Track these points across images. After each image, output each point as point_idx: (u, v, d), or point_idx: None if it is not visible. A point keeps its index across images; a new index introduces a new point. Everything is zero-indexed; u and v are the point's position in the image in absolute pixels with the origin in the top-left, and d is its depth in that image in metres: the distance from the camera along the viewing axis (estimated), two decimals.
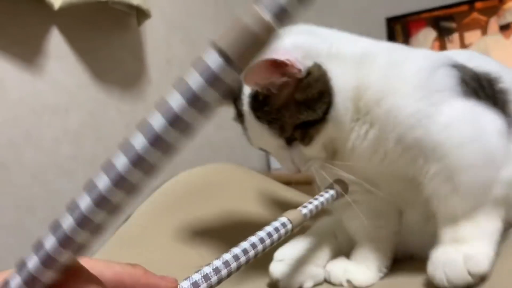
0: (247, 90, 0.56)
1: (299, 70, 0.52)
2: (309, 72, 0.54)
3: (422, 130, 0.53)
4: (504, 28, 1.82)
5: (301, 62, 0.53)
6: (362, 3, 2.17)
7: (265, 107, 0.55)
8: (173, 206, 0.78)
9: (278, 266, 0.59)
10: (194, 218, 0.74)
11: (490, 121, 0.54)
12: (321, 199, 0.56)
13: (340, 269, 0.60)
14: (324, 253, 0.63)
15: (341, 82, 0.55)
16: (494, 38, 1.85)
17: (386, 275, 0.62)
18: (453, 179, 0.53)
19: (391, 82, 0.55)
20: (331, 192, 0.58)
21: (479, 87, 0.57)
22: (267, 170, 2.03)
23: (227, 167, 0.87)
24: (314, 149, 0.57)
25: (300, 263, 0.60)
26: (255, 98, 0.55)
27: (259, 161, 2.08)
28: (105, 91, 1.46)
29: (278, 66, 0.51)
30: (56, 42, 1.34)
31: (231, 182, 0.83)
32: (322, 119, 0.55)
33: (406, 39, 1.99)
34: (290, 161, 0.59)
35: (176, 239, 0.70)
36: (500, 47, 1.83)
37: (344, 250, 0.64)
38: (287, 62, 0.51)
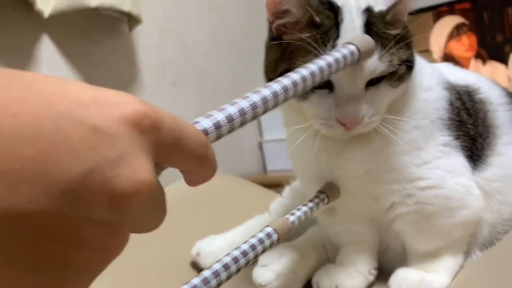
0: (378, 4, 0.52)
1: None
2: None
3: (409, 159, 0.55)
4: None
5: None
6: None
7: (389, 28, 0.51)
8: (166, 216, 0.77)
9: (262, 271, 0.58)
10: (184, 229, 0.72)
11: (455, 170, 0.57)
12: (311, 204, 0.55)
13: (327, 276, 0.59)
14: (312, 262, 0.62)
15: None
16: None
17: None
18: (421, 223, 0.58)
19: (410, 98, 0.57)
20: (322, 196, 0.57)
21: (461, 104, 0.60)
22: (263, 172, 2.01)
23: (217, 177, 0.86)
24: (391, 97, 0.54)
25: (285, 269, 0.59)
26: (382, 16, 0.51)
27: (255, 163, 2.07)
28: None
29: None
30: (47, 50, 1.33)
31: (222, 192, 0.82)
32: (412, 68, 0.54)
33: None
34: (360, 111, 0.51)
35: (166, 251, 0.69)
36: None
37: (333, 259, 0.64)
38: None
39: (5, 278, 0.18)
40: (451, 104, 0.59)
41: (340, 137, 0.53)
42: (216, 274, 0.40)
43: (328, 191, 0.57)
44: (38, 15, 1.24)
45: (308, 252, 0.63)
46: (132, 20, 1.47)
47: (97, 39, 1.47)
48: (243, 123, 0.32)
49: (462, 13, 1.86)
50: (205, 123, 0.29)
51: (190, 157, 0.25)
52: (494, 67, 1.79)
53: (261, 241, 0.46)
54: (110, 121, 0.20)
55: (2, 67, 1.19)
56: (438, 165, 0.56)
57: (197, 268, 0.63)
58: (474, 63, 1.83)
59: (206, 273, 0.39)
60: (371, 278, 0.61)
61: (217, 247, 0.64)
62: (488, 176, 0.59)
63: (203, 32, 1.87)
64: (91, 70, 1.44)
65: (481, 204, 0.58)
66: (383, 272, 0.62)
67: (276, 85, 0.35)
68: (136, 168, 0.21)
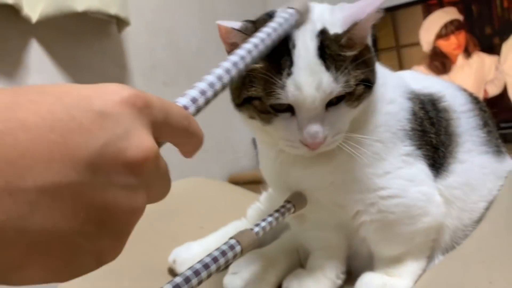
0: (333, 27, 0.52)
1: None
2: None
3: (371, 170, 0.57)
4: None
5: None
6: None
7: (344, 50, 0.51)
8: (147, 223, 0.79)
9: (231, 279, 0.61)
10: (163, 235, 0.74)
11: (416, 179, 0.59)
12: (276, 214, 0.57)
13: (297, 281, 0.61)
14: (282, 267, 0.64)
15: None
16: None
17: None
18: (383, 230, 0.60)
19: (373, 112, 0.59)
20: (288, 206, 0.59)
21: (424, 114, 0.62)
22: (257, 168, 2.02)
23: (198, 181, 0.88)
24: (351, 116, 0.54)
25: (255, 276, 0.61)
26: (337, 40, 0.51)
27: (248, 160, 2.09)
28: None
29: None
30: (36, 55, 1.35)
31: (203, 197, 0.84)
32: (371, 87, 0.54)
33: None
34: (322, 131, 0.52)
35: (145, 258, 0.71)
36: None
37: (305, 263, 0.66)
38: None
39: (56, 240, 0.23)
40: (414, 114, 0.60)
41: (306, 155, 0.55)
42: (177, 287, 0.42)
43: (294, 201, 0.59)
44: (26, 20, 1.26)
45: (279, 258, 0.65)
46: (120, 22, 1.49)
47: (86, 42, 1.48)
48: (215, 94, 0.38)
49: (451, 5, 1.86)
50: (183, 100, 0.35)
51: (178, 129, 0.30)
52: (481, 58, 1.80)
53: (223, 253, 0.48)
54: (111, 104, 0.25)
55: None
56: (400, 175, 0.57)
57: (174, 275, 0.65)
58: (461, 59, 1.84)
59: (166, 287, 0.41)
60: (339, 282, 0.63)
61: (193, 254, 0.66)
62: (449, 183, 0.61)
63: (193, 31, 1.88)
64: (81, 73, 1.45)
65: (443, 211, 0.60)
66: (353, 276, 0.64)
67: (234, 57, 0.41)
68: (141, 139, 0.26)
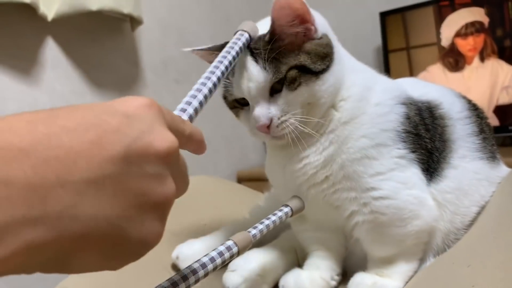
0: (262, 31, 0.61)
1: (315, 30, 0.61)
2: (321, 37, 0.62)
3: (362, 168, 0.58)
4: None
5: (318, 25, 0.62)
6: None
7: (269, 45, 0.59)
8: None
9: (230, 275, 0.64)
10: (168, 232, 0.77)
11: (409, 183, 0.62)
12: (273, 217, 0.60)
13: (293, 280, 0.64)
14: (280, 266, 0.67)
15: (338, 69, 0.63)
16: None
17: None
18: (375, 231, 0.62)
19: (357, 112, 0.62)
20: (285, 210, 0.62)
21: (420, 120, 0.64)
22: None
23: (203, 179, 0.91)
24: (296, 99, 0.60)
25: (252, 274, 0.64)
26: (262, 37, 0.60)
27: (257, 156, 2.12)
28: (101, 96, 1.50)
29: (304, 16, 0.59)
30: (51, 52, 1.39)
31: (207, 194, 0.87)
32: (315, 73, 0.60)
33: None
34: (265, 113, 0.60)
35: (150, 253, 0.74)
36: None
37: (302, 263, 0.68)
38: (310, 16, 0.60)
39: (105, 225, 0.27)
40: (408, 118, 0.63)
41: (271, 143, 0.64)
42: (175, 285, 0.45)
43: (292, 205, 0.62)
44: (42, 18, 1.30)
45: (277, 257, 0.68)
46: (133, 20, 1.52)
47: (100, 40, 1.52)
48: (200, 104, 0.46)
49: (462, 7, 1.86)
50: (175, 112, 0.44)
51: (178, 131, 0.35)
52: (498, 64, 1.80)
53: (220, 254, 0.51)
54: (133, 107, 0.30)
55: (8, 70, 1.25)
56: (392, 177, 0.60)
57: (177, 270, 0.69)
58: (477, 61, 1.84)
59: (164, 284, 0.45)
60: (334, 283, 0.66)
61: (195, 251, 0.69)
62: (442, 188, 0.63)
63: (205, 28, 1.91)
64: (95, 70, 1.49)
65: (435, 215, 0.62)
66: (348, 275, 0.67)
67: (206, 73, 0.50)
68: (163, 133, 0.31)
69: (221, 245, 0.52)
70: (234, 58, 0.55)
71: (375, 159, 0.60)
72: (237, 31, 0.60)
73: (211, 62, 0.54)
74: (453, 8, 1.89)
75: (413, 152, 0.62)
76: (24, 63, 1.33)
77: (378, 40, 2.07)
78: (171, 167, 0.31)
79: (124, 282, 0.66)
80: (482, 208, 0.65)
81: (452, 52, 1.90)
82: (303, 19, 0.59)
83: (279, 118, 0.59)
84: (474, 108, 0.71)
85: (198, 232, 0.78)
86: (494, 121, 1.79)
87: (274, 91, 0.59)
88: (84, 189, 0.26)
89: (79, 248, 0.27)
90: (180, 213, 0.85)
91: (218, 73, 0.51)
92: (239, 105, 0.63)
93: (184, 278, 0.46)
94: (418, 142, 0.62)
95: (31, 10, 1.27)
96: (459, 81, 1.88)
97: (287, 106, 0.60)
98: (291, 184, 0.64)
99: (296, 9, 0.58)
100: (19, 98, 1.30)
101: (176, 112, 0.43)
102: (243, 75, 0.60)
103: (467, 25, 1.88)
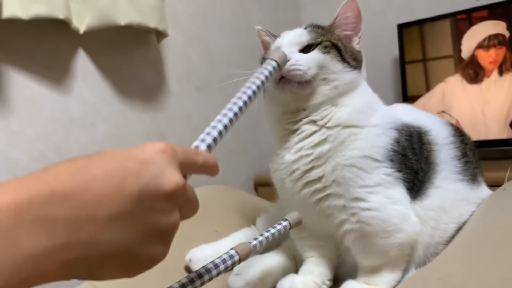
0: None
1: (358, 42, 0.78)
2: (358, 50, 0.77)
3: (351, 175, 0.65)
4: None
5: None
6: (373, 9, 2.21)
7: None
8: None
9: (235, 279, 0.72)
10: (181, 237, 0.86)
11: (393, 198, 0.68)
12: (273, 230, 0.67)
13: (288, 283, 0.72)
14: (280, 272, 0.75)
15: (355, 78, 0.75)
16: None
17: None
18: (362, 241, 0.69)
19: (354, 121, 0.71)
20: (284, 223, 0.69)
21: (409, 144, 0.71)
22: None
23: (217, 188, 0.99)
24: (317, 61, 0.72)
25: (254, 278, 0.72)
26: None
27: None
28: (127, 104, 1.60)
29: (358, 23, 0.78)
30: (82, 63, 1.49)
31: (220, 203, 0.95)
32: (342, 57, 0.74)
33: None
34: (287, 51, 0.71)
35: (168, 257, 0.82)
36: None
37: (300, 268, 0.76)
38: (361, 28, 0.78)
39: (122, 249, 0.35)
40: (397, 142, 0.70)
41: (282, 97, 0.73)
42: (183, 286, 0.53)
43: (290, 219, 0.69)
44: (74, 32, 1.40)
45: (277, 264, 0.76)
46: (159, 33, 1.62)
47: (128, 51, 1.62)
48: (220, 133, 0.51)
49: (479, 21, 1.89)
50: (195, 143, 0.49)
51: (193, 164, 0.43)
52: None
53: (224, 261, 0.59)
54: (149, 154, 0.38)
55: (43, 80, 1.36)
56: (379, 191, 0.67)
57: (190, 272, 0.77)
58: (496, 74, 1.87)
59: (174, 285, 0.53)
60: (325, 287, 0.73)
61: (206, 255, 0.78)
62: (425, 205, 0.70)
63: (226, 39, 1.99)
64: (123, 80, 1.59)
65: (417, 230, 0.69)
66: (339, 282, 0.74)
67: (229, 104, 0.56)
68: (171, 176, 0.37)
69: (225, 253, 0.60)
70: (258, 87, 0.60)
71: (363, 170, 0.67)
72: (265, 58, 0.67)
73: (266, 42, 0.66)
74: (470, 21, 1.92)
75: (399, 171, 0.68)
76: (57, 73, 1.43)
77: (395, 51, 2.12)
78: (178, 200, 0.39)
79: (141, 280, 0.74)
80: (461, 225, 0.72)
81: (471, 64, 1.93)
82: (357, 26, 0.74)
83: (297, 61, 0.70)
84: (460, 135, 0.77)
85: (210, 237, 0.86)
86: (510, 134, 1.81)
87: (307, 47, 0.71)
88: (107, 223, 0.34)
89: (103, 264, 0.35)
90: (194, 220, 0.93)
91: (240, 103, 0.56)
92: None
93: (191, 281, 0.54)
94: (404, 162, 0.69)
95: (65, 24, 1.36)
96: (477, 93, 1.90)
97: (307, 60, 0.70)
98: (289, 182, 0.71)
99: (358, 15, 0.73)
100: (52, 106, 1.40)
101: (196, 142, 0.49)
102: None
103: (490, 37, 1.90)
